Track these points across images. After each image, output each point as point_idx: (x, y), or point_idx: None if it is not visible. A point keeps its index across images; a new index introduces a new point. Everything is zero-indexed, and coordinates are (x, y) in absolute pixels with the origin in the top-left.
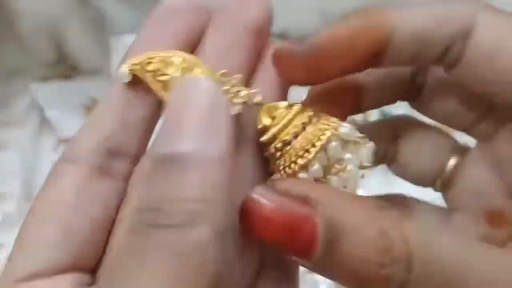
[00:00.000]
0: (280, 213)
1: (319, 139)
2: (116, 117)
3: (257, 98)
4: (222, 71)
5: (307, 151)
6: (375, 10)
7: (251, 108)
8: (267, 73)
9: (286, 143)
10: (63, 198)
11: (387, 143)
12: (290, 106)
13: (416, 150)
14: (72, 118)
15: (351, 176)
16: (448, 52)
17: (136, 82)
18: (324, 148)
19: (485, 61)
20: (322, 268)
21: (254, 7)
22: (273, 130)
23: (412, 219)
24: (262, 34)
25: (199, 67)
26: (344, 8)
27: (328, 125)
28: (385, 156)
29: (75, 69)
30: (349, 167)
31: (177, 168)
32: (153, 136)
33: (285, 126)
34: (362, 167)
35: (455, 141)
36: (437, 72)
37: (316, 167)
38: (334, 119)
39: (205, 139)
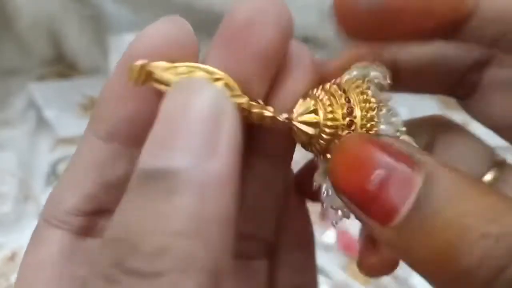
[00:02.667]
0: (378, 155)
1: (366, 101)
2: (97, 177)
3: (284, 115)
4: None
5: (369, 119)
6: None
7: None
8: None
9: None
10: (51, 265)
11: (421, 147)
12: (312, 98)
13: (454, 157)
14: (69, 118)
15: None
16: None
17: (122, 134)
18: (380, 106)
19: None
20: (402, 235)
21: (268, 25)
22: (329, 131)
23: None
24: (275, 59)
25: (226, 80)
26: None
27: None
28: None
29: (73, 68)
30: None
31: (163, 188)
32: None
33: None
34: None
35: (493, 153)
36: (497, 73)
37: (383, 126)
38: (361, 64)
39: (202, 154)
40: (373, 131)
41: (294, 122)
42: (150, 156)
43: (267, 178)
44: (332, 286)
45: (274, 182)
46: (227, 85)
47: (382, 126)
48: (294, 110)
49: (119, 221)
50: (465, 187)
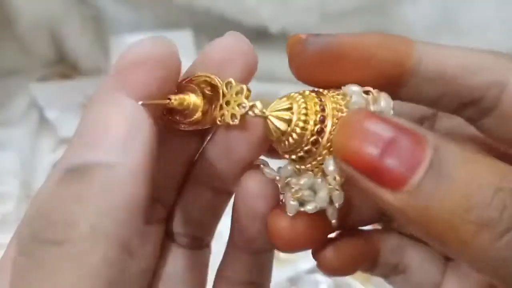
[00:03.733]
0: (385, 124)
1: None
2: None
3: (259, 108)
4: (228, 80)
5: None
6: (404, 37)
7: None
8: None
9: (314, 142)
10: None
11: (395, 254)
12: (290, 98)
13: (421, 262)
14: (71, 118)
15: None
16: (479, 101)
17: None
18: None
19: None
20: (417, 198)
21: (237, 63)
22: (298, 130)
23: None
24: None
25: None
26: (344, 7)
27: (337, 97)
28: (393, 269)
29: (74, 69)
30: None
31: (80, 178)
32: None
33: (304, 128)
34: None
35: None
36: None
37: None
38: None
39: (118, 152)
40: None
41: (269, 117)
42: (71, 154)
43: (175, 147)
44: (332, 285)
45: (183, 151)
46: (210, 80)
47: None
48: (270, 106)
49: (38, 204)
50: (471, 154)
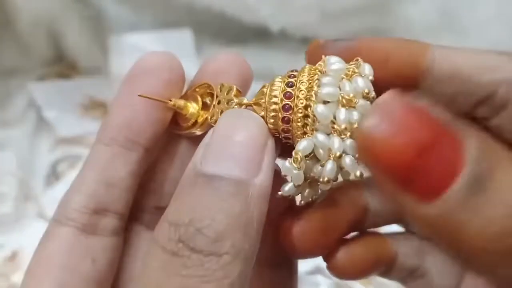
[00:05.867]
0: (425, 118)
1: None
2: (99, 177)
3: (245, 101)
4: (221, 83)
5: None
6: (419, 41)
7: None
8: None
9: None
10: (55, 258)
11: (413, 259)
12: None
13: (442, 266)
14: (70, 118)
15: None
16: (492, 98)
17: (122, 138)
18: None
19: None
20: (447, 216)
21: (232, 74)
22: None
23: None
24: None
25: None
26: (344, 7)
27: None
28: (411, 273)
29: (73, 68)
30: (361, 102)
31: (225, 191)
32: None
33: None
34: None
35: None
36: None
37: (320, 107)
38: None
39: (253, 170)
40: (310, 111)
41: (252, 104)
42: (212, 165)
43: (183, 155)
44: (332, 286)
45: (189, 158)
46: (208, 87)
47: (319, 107)
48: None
49: (181, 208)
50: None
